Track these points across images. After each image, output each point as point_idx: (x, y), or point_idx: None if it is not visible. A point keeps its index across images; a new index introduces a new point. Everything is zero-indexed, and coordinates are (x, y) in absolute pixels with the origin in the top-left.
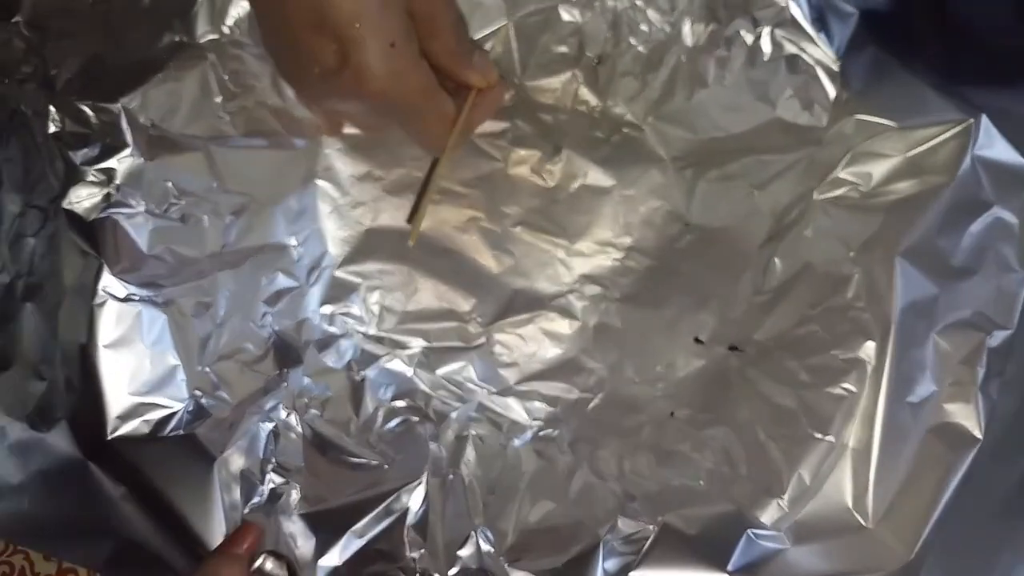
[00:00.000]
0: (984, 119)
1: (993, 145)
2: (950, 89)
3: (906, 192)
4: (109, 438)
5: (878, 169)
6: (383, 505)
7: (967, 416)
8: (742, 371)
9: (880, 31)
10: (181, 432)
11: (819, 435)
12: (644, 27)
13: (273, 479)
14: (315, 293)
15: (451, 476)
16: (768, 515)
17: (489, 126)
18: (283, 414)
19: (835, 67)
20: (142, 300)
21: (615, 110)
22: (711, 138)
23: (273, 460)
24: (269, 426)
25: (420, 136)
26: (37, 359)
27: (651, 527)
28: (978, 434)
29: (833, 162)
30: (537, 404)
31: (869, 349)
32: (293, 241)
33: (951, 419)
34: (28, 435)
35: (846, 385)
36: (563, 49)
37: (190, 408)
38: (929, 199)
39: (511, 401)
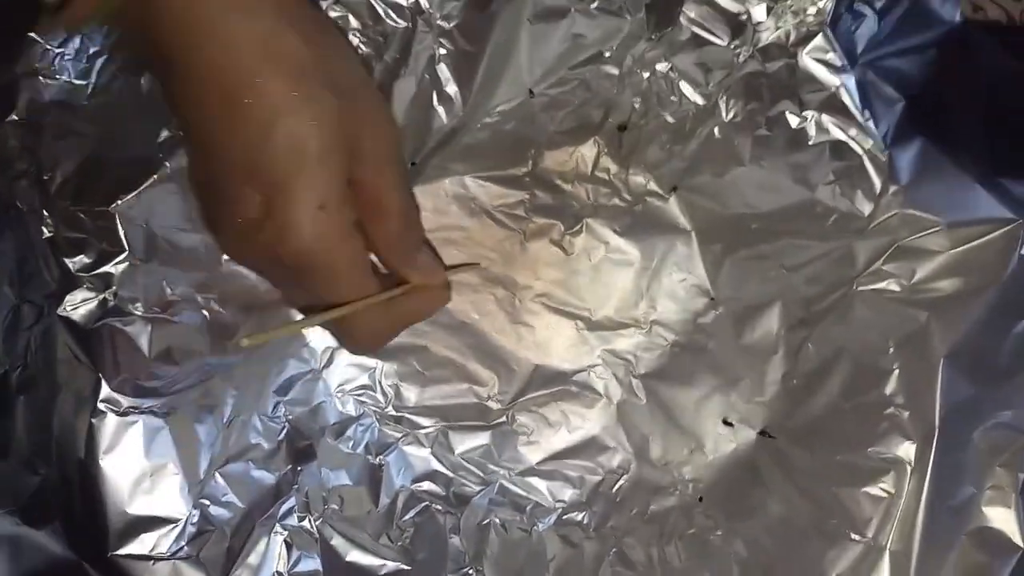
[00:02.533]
0: None
1: None
2: (997, 184)
3: (950, 290)
4: (110, 555)
5: (922, 265)
6: None
7: (1007, 521)
8: (774, 459)
9: (927, 121)
10: (184, 548)
11: (857, 536)
12: (674, 98)
13: None
14: (329, 376)
15: (473, 574)
16: None
17: (506, 197)
18: (297, 520)
19: (883, 157)
20: (143, 412)
21: (637, 178)
22: (742, 215)
23: None
24: (280, 538)
25: (345, 333)
26: (31, 453)
27: None
28: (1019, 541)
29: (876, 254)
30: (560, 485)
31: (909, 450)
32: None
33: (991, 524)
34: (20, 531)
35: (884, 485)
36: (586, 118)
37: (194, 520)
38: (974, 299)
39: (534, 481)
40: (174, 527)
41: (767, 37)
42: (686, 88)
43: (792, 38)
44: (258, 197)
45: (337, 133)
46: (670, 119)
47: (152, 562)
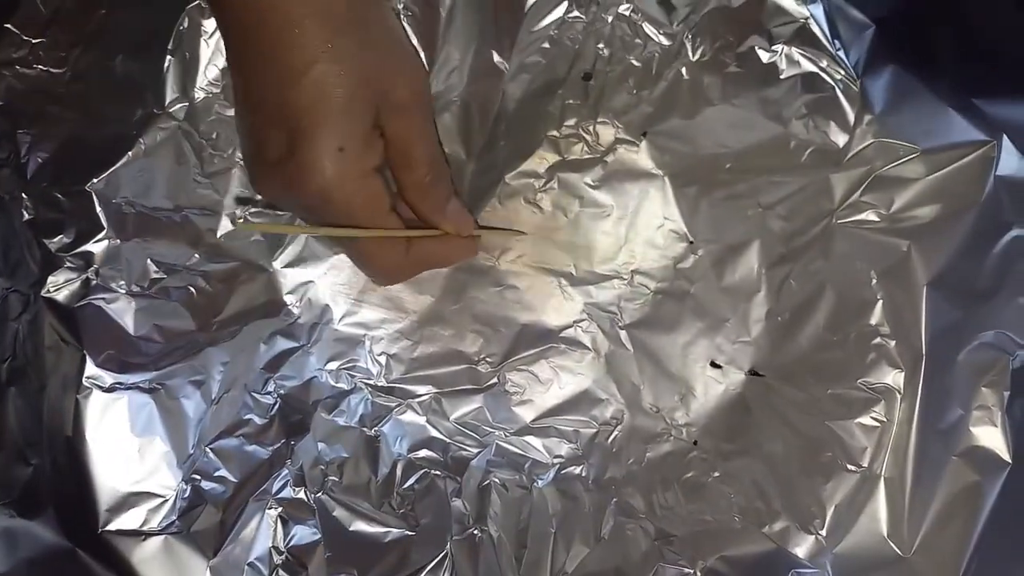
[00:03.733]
0: (1004, 139)
1: (1012, 164)
2: (970, 106)
3: (929, 217)
4: (100, 531)
5: (900, 193)
6: None
7: (995, 439)
8: (764, 397)
9: (898, 46)
10: (176, 523)
11: (852, 466)
12: (639, 41)
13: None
14: (319, 351)
15: (479, 534)
16: (807, 550)
17: (478, 161)
18: (292, 492)
19: (855, 87)
20: (128, 388)
21: (606, 128)
22: (715, 155)
23: (284, 552)
24: (275, 512)
25: (360, 261)
26: (23, 444)
27: (694, 572)
28: (1007, 457)
29: (853, 186)
30: (556, 441)
31: (898, 378)
32: (291, 300)
33: (979, 443)
34: (14, 522)
35: (875, 414)
36: (552, 73)
37: (185, 495)
38: (953, 224)
39: (530, 440)
40: (164, 501)
41: None
42: (650, 29)
43: None
44: (284, 138)
45: (364, 84)
46: (635, 63)
47: (143, 537)
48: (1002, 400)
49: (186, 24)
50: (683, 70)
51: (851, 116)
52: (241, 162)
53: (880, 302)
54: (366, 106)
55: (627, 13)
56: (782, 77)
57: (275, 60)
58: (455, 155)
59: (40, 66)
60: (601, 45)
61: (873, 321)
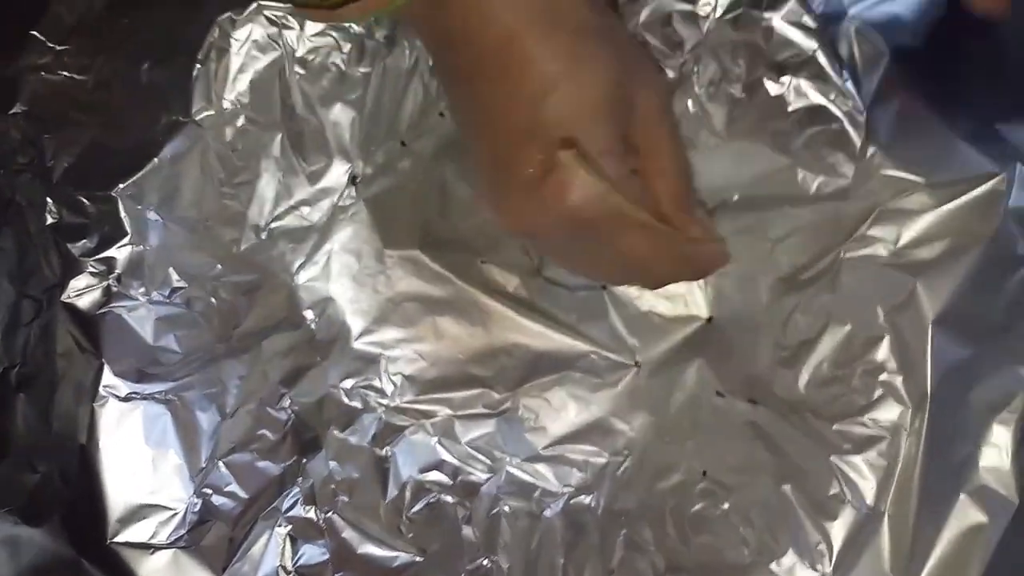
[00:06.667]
0: (1019, 167)
1: None
2: (982, 137)
3: (937, 251)
4: (108, 543)
5: (907, 227)
6: None
7: (1005, 479)
8: (771, 430)
9: (911, 75)
10: (185, 537)
11: (857, 503)
12: None
13: None
14: (335, 368)
15: (488, 564)
16: None
17: None
18: (303, 511)
19: (861, 118)
20: (144, 398)
21: None
22: (722, 187)
23: (292, 572)
24: (284, 530)
25: (634, 263)
26: (31, 451)
27: None
28: (1014, 498)
29: (860, 219)
30: (567, 469)
31: (904, 415)
32: (310, 315)
33: (987, 483)
34: (19, 530)
35: (881, 451)
36: None
37: (196, 508)
38: (962, 260)
39: (540, 467)
40: (174, 515)
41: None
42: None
43: (764, 1)
44: (539, 156)
45: (614, 91)
46: None
47: (151, 551)
48: (1014, 438)
49: (216, 35)
50: (689, 102)
51: (857, 148)
52: (266, 174)
53: (887, 338)
54: (618, 113)
55: None
56: (790, 110)
57: (527, 77)
58: None
59: (64, 72)
60: None
61: (880, 357)
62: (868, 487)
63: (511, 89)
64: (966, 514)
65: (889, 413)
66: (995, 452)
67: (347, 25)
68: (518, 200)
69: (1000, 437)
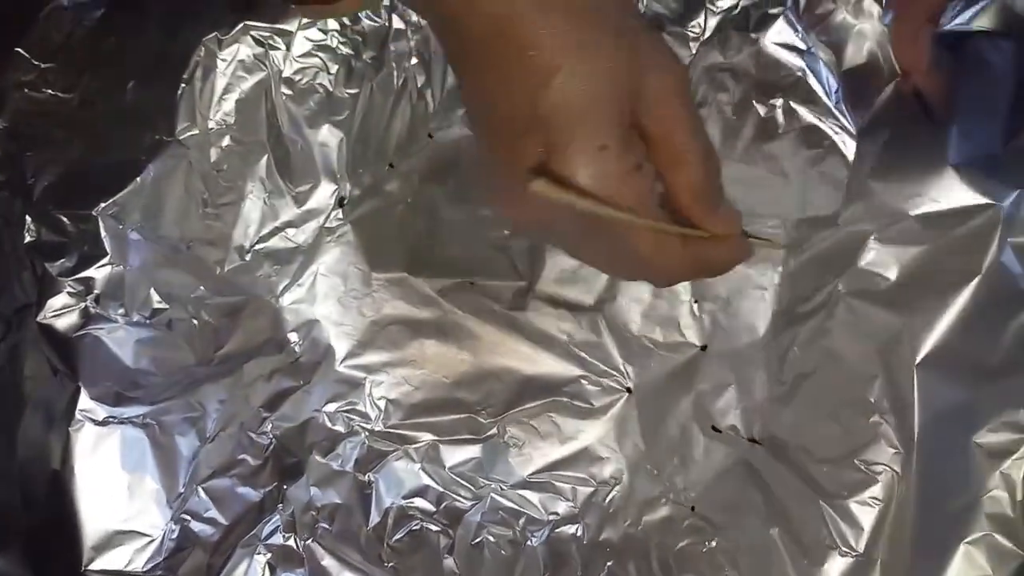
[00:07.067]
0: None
1: None
2: (980, 166)
3: (931, 287)
4: (83, 570)
5: (898, 261)
6: None
7: (1008, 530)
8: (762, 468)
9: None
10: (162, 564)
11: (846, 548)
12: None
13: None
14: (318, 392)
15: None
16: None
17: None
18: (282, 539)
19: (852, 142)
20: (122, 422)
21: None
22: None
23: None
24: (263, 559)
25: (637, 261)
26: None
27: None
28: (1021, 549)
29: (853, 251)
30: (552, 497)
31: (896, 458)
32: (294, 338)
33: (990, 533)
34: None
35: (873, 496)
36: None
37: (174, 535)
38: (954, 297)
39: (526, 494)
40: (151, 541)
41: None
42: None
43: (752, 22)
44: (539, 144)
45: (617, 78)
46: None
47: None
48: (1022, 487)
49: (202, 54)
50: None
51: (847, 174)
52: (251, 195)
53: (879, 378)
54: (622, 102)
55: None
56: (780, 132)
57: (522, 66)
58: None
59: (49, 90)
60: None
61: (872, 398)
62: (859, 533)
63: (507, 78)
64: (968, 565)
65: (880, 456)
66: (998, 501)
67: (338, 25)
68: (519, 198)
69: (1004, 485)
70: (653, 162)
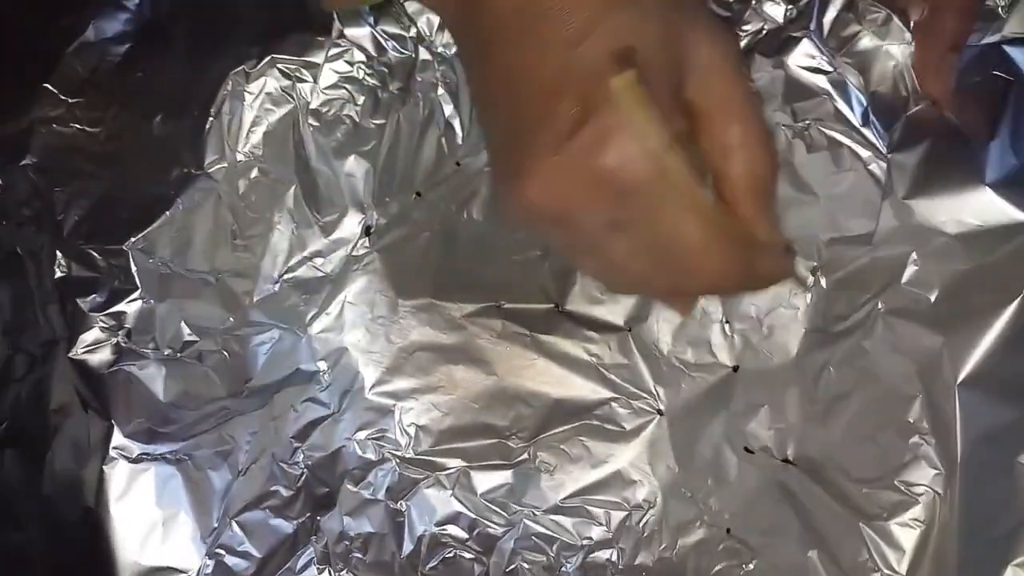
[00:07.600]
0: None
1: None
2: (1010, 185)
3: (971, 306)
4: None
5: (938, 281)
6: None
7: None
8: (798, 489)
9: (940, 120)
10: None
11: (888, 571)
12: None
13: None
14: (348, 420)
15: None
16: None
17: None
18: (316, 572)
19: (884, 163)
20: (155, 459)
21: None
22: None
23: None
24: None
25: (685, 260)
26: (16, 509)
27: None
28: None
29: (890, 271)
30: (586, 522)
31: (937, 481)
32: (323, 366)
33: None
34: None
35: (915, 518)
36: None
37: (208, 571)
38: (998, 314)
39: (559, 519)
40: None
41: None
42: None
43: (777, 46)
44: (571, 109)
45: (659, 39)
46: None
47: None
48: None
49: (230, 87)
50: None
51: (881, 195)
52: (279, 226)
53: (919, 398)
54: (663, 68)
55: None
56: (809, 152)
57: (549, 33)
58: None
59: (76, 125)
60: None
61: (911, 418)
62: (901, 555)
63: (542, 43)
64: None
65: (921, 477)
66: None
67: (364, 57)
68: (544, 167)
69: None
70: (702, 146)
